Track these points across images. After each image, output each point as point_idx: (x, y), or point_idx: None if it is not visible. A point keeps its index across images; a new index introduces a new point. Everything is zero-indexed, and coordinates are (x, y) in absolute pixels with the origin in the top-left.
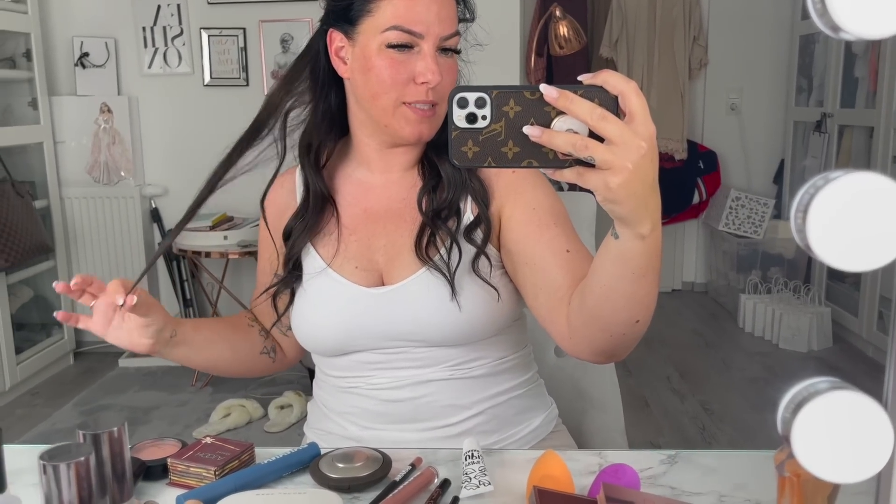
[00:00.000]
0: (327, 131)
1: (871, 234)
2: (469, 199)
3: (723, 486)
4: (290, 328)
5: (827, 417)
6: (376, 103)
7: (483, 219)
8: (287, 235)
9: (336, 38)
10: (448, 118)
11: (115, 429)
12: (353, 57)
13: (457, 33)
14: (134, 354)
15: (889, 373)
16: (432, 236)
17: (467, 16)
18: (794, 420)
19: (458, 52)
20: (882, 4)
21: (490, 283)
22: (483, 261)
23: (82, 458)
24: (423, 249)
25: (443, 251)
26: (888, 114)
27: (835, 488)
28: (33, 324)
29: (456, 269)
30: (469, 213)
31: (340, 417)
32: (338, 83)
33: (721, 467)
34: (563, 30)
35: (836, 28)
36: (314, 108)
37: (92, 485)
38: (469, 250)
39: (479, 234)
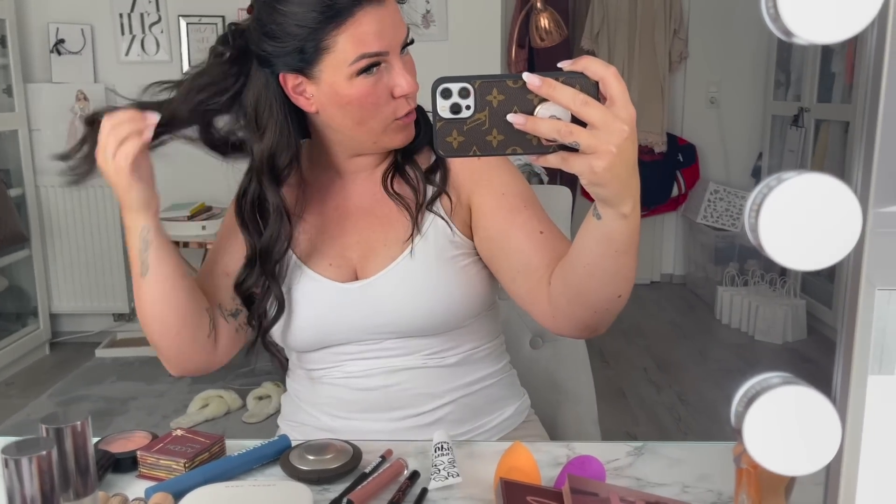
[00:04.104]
0: (292, 154)
1: (819, 233)
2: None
3: (686, 477)
4: (231, 314)
5: (778, 411)
6: (362, 129)
7: (440, 163)
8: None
9: (290, 79)
10: (432, 109)
11: (79, 423)
12: (318, 93)
13: (408, 28)
14: (111, 345)
15: (837, 369)
16: (402, 172)
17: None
18: (746, 414)
19: (411, 43)
20: (831, 12)
21: (449, 223)
22: (452, 235)
23: (44, 453)
24: (390, 183)
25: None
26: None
27: (791, 480)
28: (8, 314)
29: (421, 207)
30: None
31: (313, 408)
32: (297, 112)
33: (686, 459)
34: (543, 21)
35: (788, 33)
36: (274, 140)
37: (54, 478)
38: (438, 230)
39: (437, 178)
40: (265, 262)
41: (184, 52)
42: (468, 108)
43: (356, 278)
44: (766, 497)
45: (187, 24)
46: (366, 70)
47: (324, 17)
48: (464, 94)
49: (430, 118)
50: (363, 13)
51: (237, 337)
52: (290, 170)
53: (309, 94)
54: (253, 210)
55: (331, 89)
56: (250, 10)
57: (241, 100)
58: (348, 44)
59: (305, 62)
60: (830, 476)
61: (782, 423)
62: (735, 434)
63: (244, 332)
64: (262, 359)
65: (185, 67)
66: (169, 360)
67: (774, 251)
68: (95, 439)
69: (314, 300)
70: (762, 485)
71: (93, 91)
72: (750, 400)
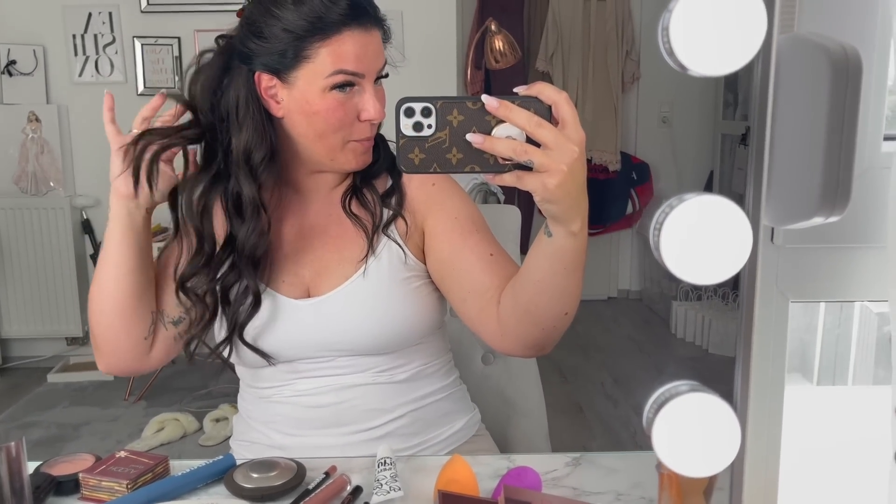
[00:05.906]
0: (267, 151)
1: (716, 250)
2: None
3: (621, 486)
4: (173, 321)
5: (683, 417)
6: (322, 142)
7: (396, 188)
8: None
9: (264, 79)
10: (395, 127)
11: (13, 444)
12: (288, 98)
13: (386, 61)
14: (63, 369)
15: (737, 378)
16: (360, 195)
17: (389, 39)
18: (655, 419)
19: (386, 76)
20: (717, 47)
21: (403, 247)
22: (405, 258)
23: None
24: (348, 204)
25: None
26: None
27: (710, 483)
28: None
29: (377, 229)
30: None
31: (264, 426)
32: (269, 117)
33: (621, 468)
34: (498, 44)
35: (683, 67)
36: (253, 144)
37: None
38: (392, 252)
39: (393, 202)
40: (242, 257)
41: (139, 74)
42: (430, 126)
43: (309, 295)
44: (687, 499)
45: (142, 45)
46: (339, 87)
47: (312, 28)
48: (426, 113)
49: (391, 145)
50: (349, 33)
51: (174, 346)
52: (266, 168)
53: (280, 98)
54: (234, 208)
55: (302, 97)
56: (240, 14)
57: (221, 96)
58: (328, 58)
59: (284, 66)
60: (734, 477)
61: (688, 428)
62: (647, 439)
63: (181, 341)
64: (219, 380)
65: (141, 89)
66: (99, 348)
67: (675, 266)
68: (38, 463)
69: (265, 315)
70: (682, 488)
71: (45, 112)
72: (659, 406)
